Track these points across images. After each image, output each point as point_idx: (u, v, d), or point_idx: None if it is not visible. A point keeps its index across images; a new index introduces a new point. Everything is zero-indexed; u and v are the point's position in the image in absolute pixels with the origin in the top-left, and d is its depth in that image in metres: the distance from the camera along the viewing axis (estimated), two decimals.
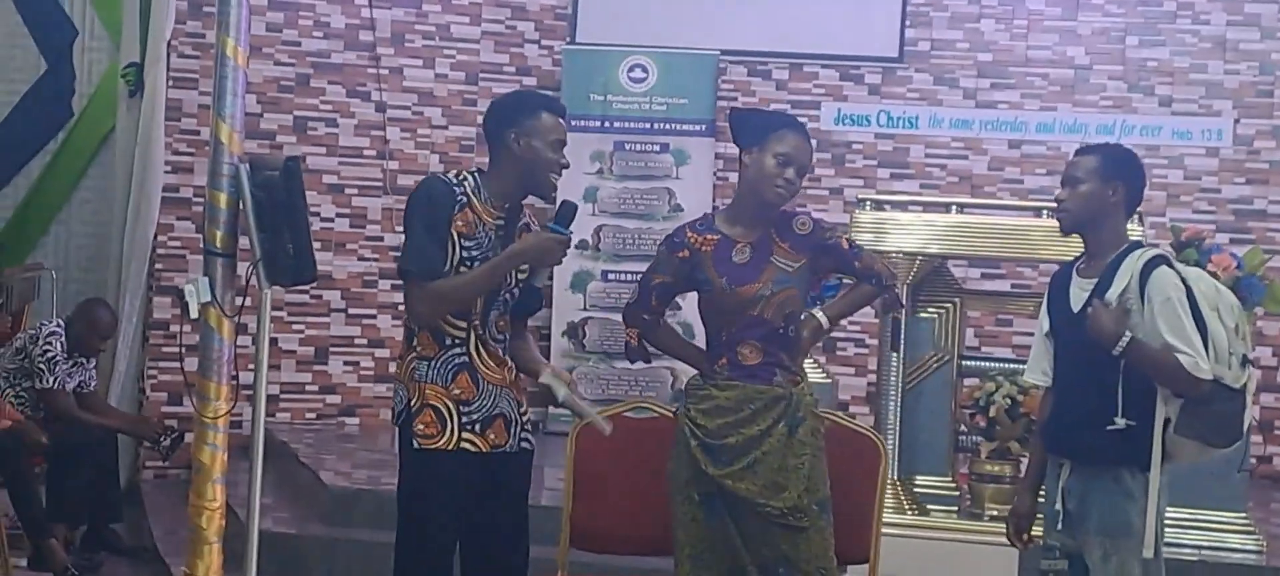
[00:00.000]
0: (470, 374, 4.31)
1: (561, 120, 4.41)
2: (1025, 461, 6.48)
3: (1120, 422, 4.16)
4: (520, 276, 4.41)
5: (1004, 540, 4.66)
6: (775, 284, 4.35)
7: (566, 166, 4.43)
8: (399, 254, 4.40)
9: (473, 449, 4.30)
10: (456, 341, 4.31)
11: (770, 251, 4.38)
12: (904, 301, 6.43)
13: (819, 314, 4.53)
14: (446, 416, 4.28)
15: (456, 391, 4.30)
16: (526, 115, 4.36)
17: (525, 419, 4.47)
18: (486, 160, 4.48)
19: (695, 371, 4.52)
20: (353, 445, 8.82)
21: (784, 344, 4.40)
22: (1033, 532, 4.59)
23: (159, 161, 8.76)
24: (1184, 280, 4.19)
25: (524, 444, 4.46)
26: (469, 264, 4.27)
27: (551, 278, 4.54)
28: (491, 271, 4.28)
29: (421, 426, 4.29)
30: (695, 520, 4.39)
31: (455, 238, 4.26)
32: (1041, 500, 4.54)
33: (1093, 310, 4.18)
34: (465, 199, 4.30)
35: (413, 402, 4.31)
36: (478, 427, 4.31)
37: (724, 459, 4.33)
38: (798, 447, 4.36)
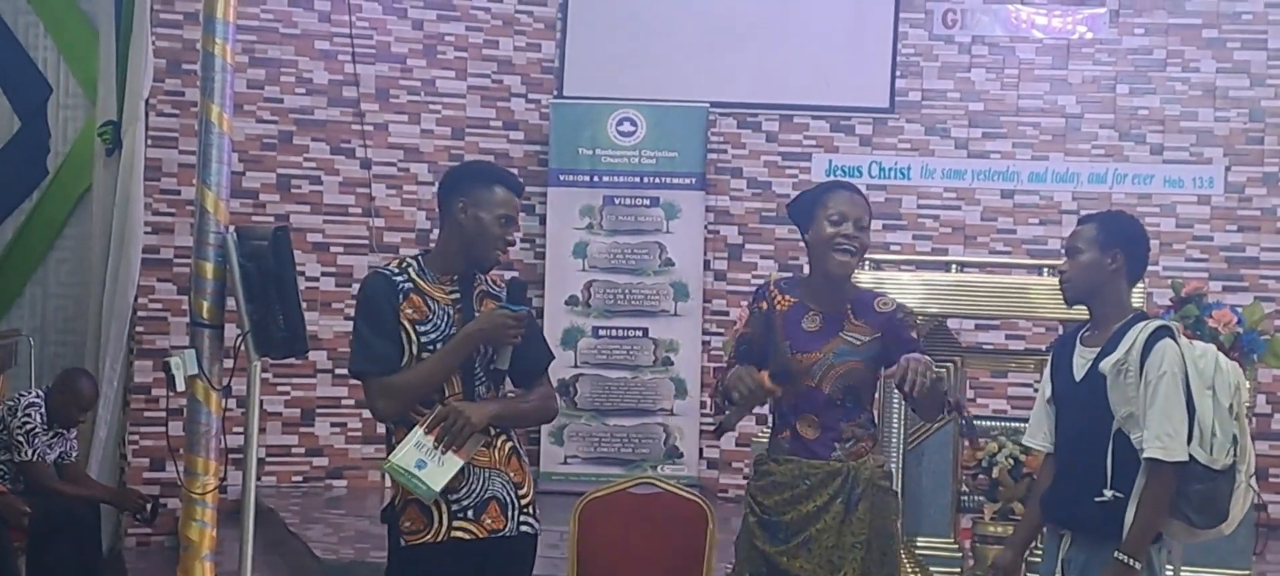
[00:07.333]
0: None
1: (514, 195, 4.22)
2: None
3: (1108, 495, 4.13)
4: (491, 352, 4.19)
5: None
6: (837, 356, 4.23)
7: (512, 243, 4.27)
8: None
9: (467, 536, 4.06)
10: None
11: (841, 326, 4.26)
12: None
13: None
14: (433, 509, 4.04)
15: None
16: (477, 186, 4.18)
17: (524, 501, 4.19)
18: None
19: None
20: (341, 511, 8.64)
21: (845, 417, 4.27)
22: None
23: (139, 222, 8.58)
24: (1184, 356, 4.15)
25: (524, 527, 4.18)
26: (431, 347, 4.07)
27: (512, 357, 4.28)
28: (446, 357, 4.07)
29: (407, 523, 4.06)
30: None
31: (408, 327, 4.07)
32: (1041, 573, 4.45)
33: None
34: (410, 284, 4.11)
35: (397, 499, 4.10)
36: (470, 514, 4.07)
37: (780, 536, 4.24)
38: (856, 526, 4.24)
